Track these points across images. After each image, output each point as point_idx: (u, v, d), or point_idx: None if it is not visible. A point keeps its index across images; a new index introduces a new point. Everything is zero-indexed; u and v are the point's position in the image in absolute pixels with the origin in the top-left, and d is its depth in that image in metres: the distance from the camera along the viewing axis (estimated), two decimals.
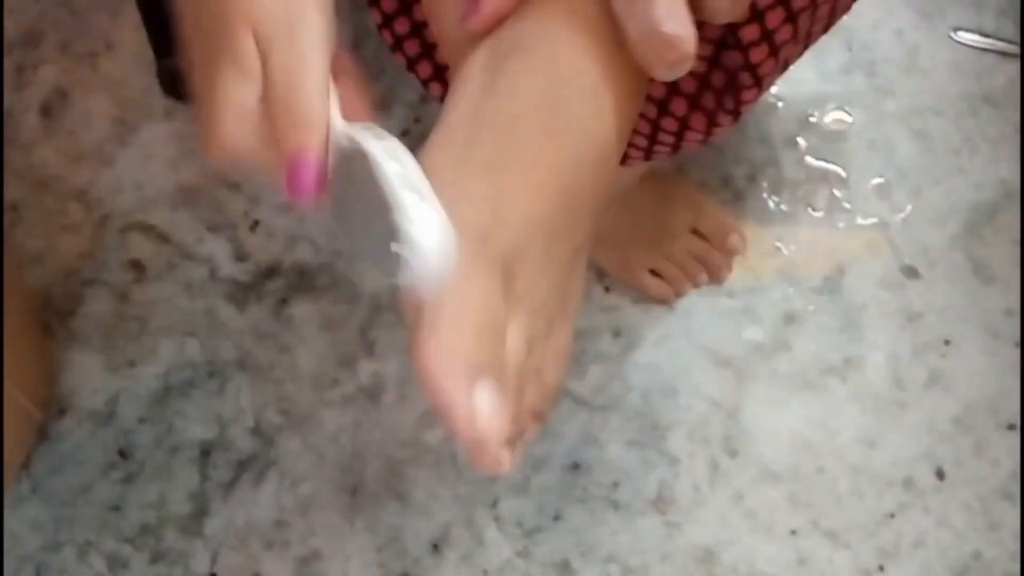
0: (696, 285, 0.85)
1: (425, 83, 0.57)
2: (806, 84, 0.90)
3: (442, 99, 0.55)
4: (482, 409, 0.37)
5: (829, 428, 0.83)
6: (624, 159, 0.59)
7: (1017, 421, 0.83)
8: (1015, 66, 0.92)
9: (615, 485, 0.82)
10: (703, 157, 0.89)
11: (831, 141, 0.90)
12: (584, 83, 0.38)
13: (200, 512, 0.81)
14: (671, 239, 0.84)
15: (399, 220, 0.35)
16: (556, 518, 0.81)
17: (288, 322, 0.85)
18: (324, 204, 0.40)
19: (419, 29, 0.56)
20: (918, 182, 0.89)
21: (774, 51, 0.51)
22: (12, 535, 0.80)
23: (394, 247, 0.36)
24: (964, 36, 0.92)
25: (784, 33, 0.51)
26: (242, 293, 0.86)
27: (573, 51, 0.39)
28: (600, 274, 0.86)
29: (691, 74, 0.53)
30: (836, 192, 0.88)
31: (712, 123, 0.55)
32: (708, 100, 0.54)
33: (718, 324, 0.85)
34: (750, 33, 0.50)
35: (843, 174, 0.89)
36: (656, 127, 0.56)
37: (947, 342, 0.85)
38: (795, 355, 0.84)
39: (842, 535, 0.81)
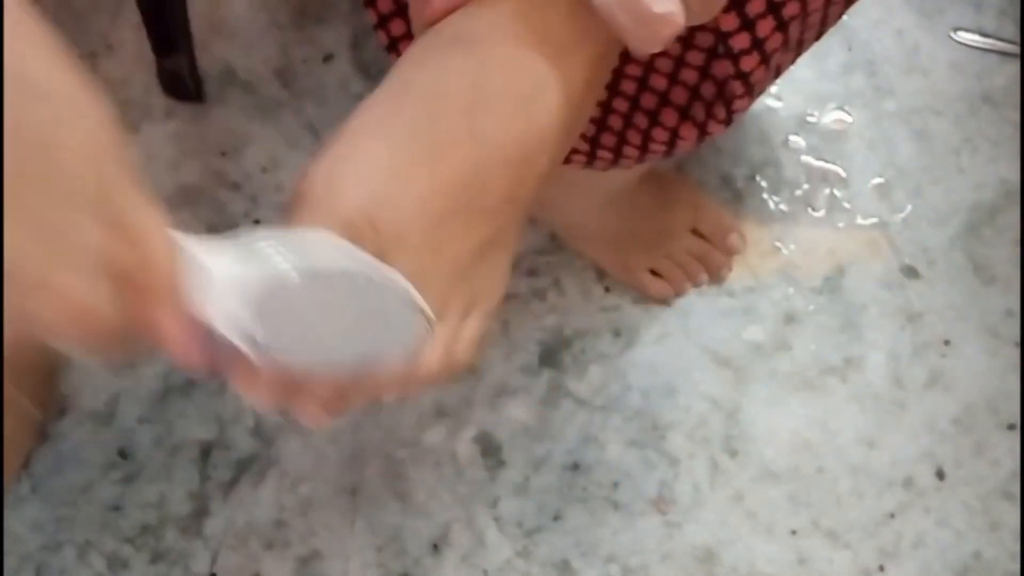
0: (696, 285, 0.85)
1: None
2: (806, 84, 0.90)
3: None
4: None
5: (829, 428, 0.83)
6: (616, 163, 0.59)
7: (1017, 421, 0.83)
8: (1015, 66, 0.92)
9: (615, 485, 0.82)
10: (703, 157, 0.89)
11: (831, 141, 0.90)
12: (517, 84, 0.39)
13: (200, 512, 0.81)
14: (671, 239, 0.84)
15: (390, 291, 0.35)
16: (556, 518, 0.81)
17: None
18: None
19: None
20: (918, 182, 0.89)
21: (765, 59, 0.51)
22: (12, 535, 0.80)
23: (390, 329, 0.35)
24: (964, 36, 0.92)
25: (775, 41, 0.51)
26: None
27: (513, 51, 0.39)
28: (600, 274, 0.86)
29: (681, 84, 0.54)
30: (836, 192, 0.88)
31: (703, 132, 0.55)
32: (698, 111, 0.54)
33: (718, 324, 0.85)
34: (740, 42, 0.50)
35: (843, 174, 0.89)
36: (647, 137, 0.56)
37: (947, 342, 0.85)
38: (795, 355, 0.84)
39: (842, 535, 0.81)
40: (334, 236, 0.36)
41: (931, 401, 0.84)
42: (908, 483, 0.82)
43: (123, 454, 0.82)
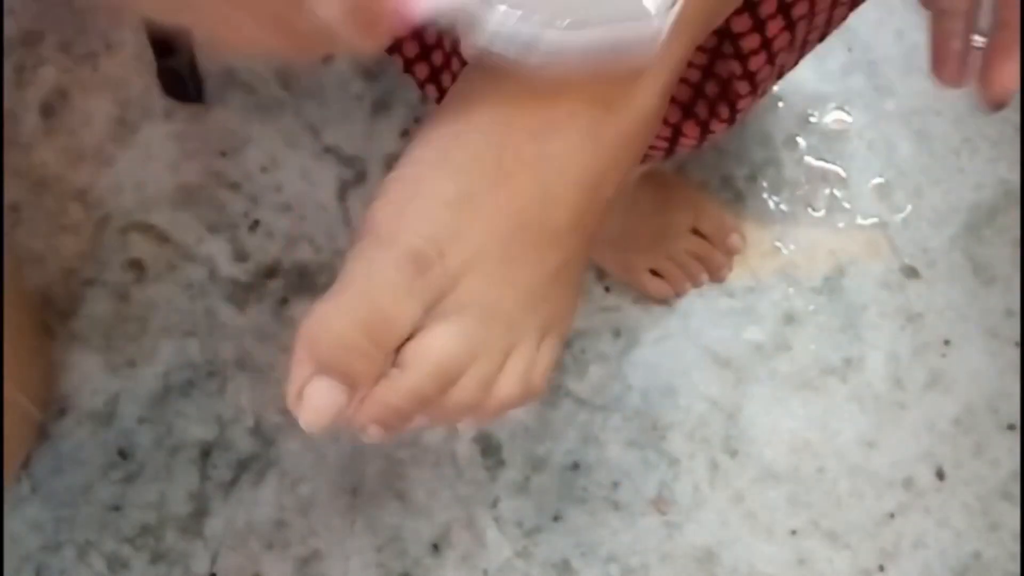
0: (696, 285, 0.85)
1: (422, 85, 0.57)
2: (806, 84, 0.90)
3: (438, 101, 0.55)
4: (313, 397, 0.38)
5: (829, 428, 0.83)
6: None
7: (1017, 421, 0.83)
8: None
9: (615, 485, 0.82)
10: (703, 157, 0.89)
11: (831, 141, 0.90)
12: (585, 108, 0.38)
13: (200, 512, 0.81)
14: (671, 239, 0.84)
15: None
16: (556, 518, 0.81)
17: (288, 322, 0.85)
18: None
19: (418, 31, 0.56)
20: (918, 182, 0.89)
21: (771, 58, 0.51)
22: (12, 535, 0.80)
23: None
24: None
25: (782, 40, 0.51)
26: (242, 293, 0.86)
27: (575, 85, 0.38)
28: (600, 274, 0.86)
29: (685, 82, 0.54)
30: (836, 192, 0.88)
31: (705, 130, 0.55)
32: (701, 109, 0.54)
33: (718, 324, 0.85)
34: (751, 42, 0.50)
35: (843, 174, 0.89)
36: None
37: (947, 342, 0.85)
38: (795, 355, 0.84)
39: (842, 535, 0.81)
40: None
41: (931, 401, 0.84)
42: (908, 483, 0.82)
43: (123, 454, 0.82)
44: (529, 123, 0.38)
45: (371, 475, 0.82)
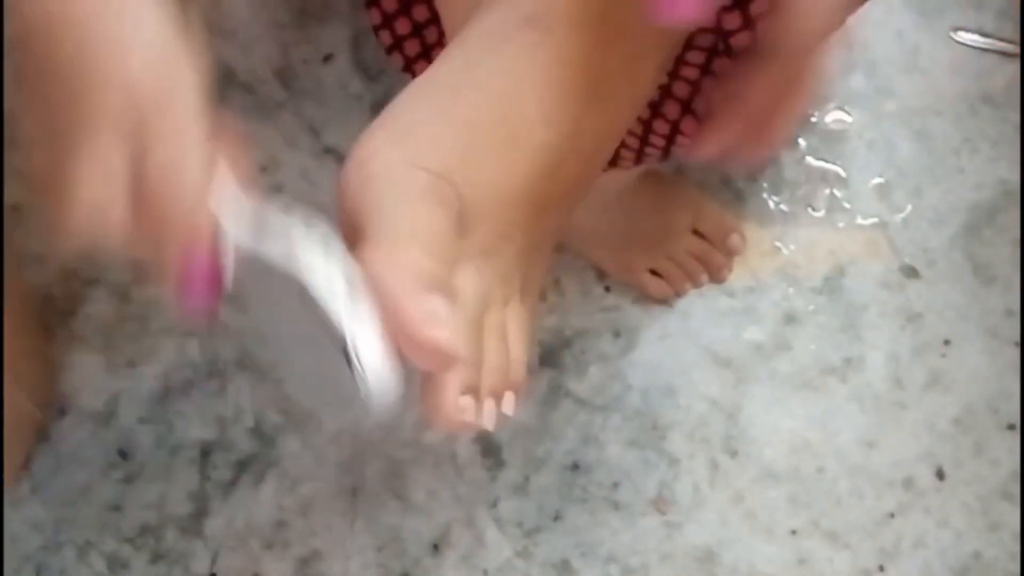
0: (696, 285, 0.85)
1: None
2: None
3: None
4: (437, 315, 0.34)
5: (829, 428, 0.83)
6: (616, 161, 0.59)
7: (1017, 421, 0.83)
8: (1015, 66, 0.92)
9: (615, 485, 0.82)
10: None
11: (831, 141, 0.90)
12: (593, 76, 0.38)
13: (200, 512, 0.81)
14: (671, 239, 0.84)
15: (347, 355, 0.32)
16: (556, 518, 0.81)
17: None
18: (222, 312, 0.37)
19: (419, 30, 0.56)
20: (918, 182, 0.89)
21: None
22: (12, 535, 0.80)
23: (339, 382, 0.33)
24: (964, 36, 0.92)
25: None
26: None
27: (591, 42, 0.37)
28: (600, 274, 0.86)
29: (683, 79, 0.54)
30: (836, 192, 0.88)
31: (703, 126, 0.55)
32: (699, 105, 0.54)
33: (718, 324, 0.85)
34: (742, 40, 0.50)
35: (843, 174, 0.89)
36: (648, 128, 0.56)
37: (947, 342, 0.85)
38: (795, 355, 0.84)
39: (842, 535, 0.81)
40: (320, 239, 0.34)
41: (931, 401, 0.84)
42: (908, 483, 0.82)
43: (123, 454, 0.82)
44: (538, 85, 0.37)
45: (371, 475, 0.82)
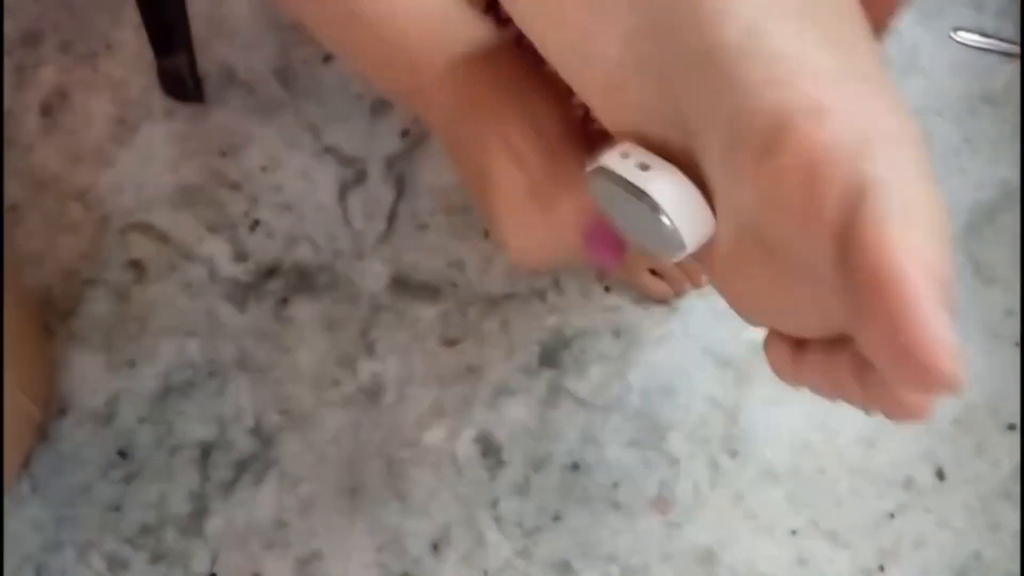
0: (696, 285, 0.85)
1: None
2: None
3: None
4: (951, 341, 0.28)
5: (829, 428, 0.83)
6: None
7: (1017, 421, 0.83)
8: (1015, 66, 0.92)
9: (615, 485, 0.82)
10: None
11: None
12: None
13: (200, 512, 0.81)
14: None
15: (647, 201, 0.34)
16: (556, 518, 0.81)
17: (288, 322, 0.85)
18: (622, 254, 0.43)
19: None
20: None
21: None
22: (12, 535, 0.80)
23: (659, 224, 0.35)
24: (964, 36, 0.92)
25: None
26: (242, 293, 0.86)
27: None
28: (600, 274, 0.86)
29: None
30: None
31: None
32: None
33: (718, 324, 0.85)
34: None
35: None
36: None
37: None
38: None
39: (842, 535, 0.81)
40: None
41: None
42: (908, 483, 0.82)
43: (123, 454, 0.82)
44: None
45: (371, 475, 0.82)
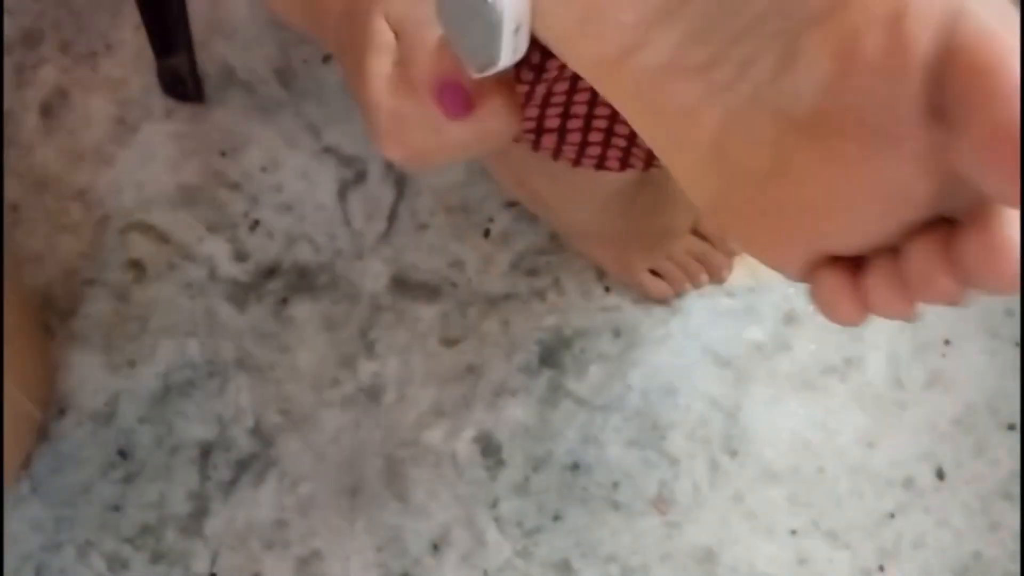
0: (696, 285, 0.85)
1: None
2: None
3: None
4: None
5: (829, 428, 0.83)
6: (602, 163, 0.59)
7: (1017, 421, 0.83)
8: None
9: (615, 485, 0.82)
10: None
11: None
12: None
13: (200, 512, 0.81)
14: (671, 239, 0.84)
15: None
16: (556, 518, 0.81)
17: (288, 322, 0.85)
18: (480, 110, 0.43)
19: None
20: None
21: None
22: (12, 535, 0.81)
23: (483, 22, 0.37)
24: None
25: None
26: (242, 293, 0.86)
27: None
28: (600, 274, 0.86)
29: None
30: None
31: None
32: None
33: (718, 324, 0.85)
34: None
35: None
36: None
37: (947, 342, 0.85)
38: (795, 355, 0.85)
39: (842, 535, 0.81)
40: None
41: (931, 401, 0.84)
42: (908, 483, 0.82)
43: (123, 454, 0.83)
44: None
45: (371, 475, 0.82)
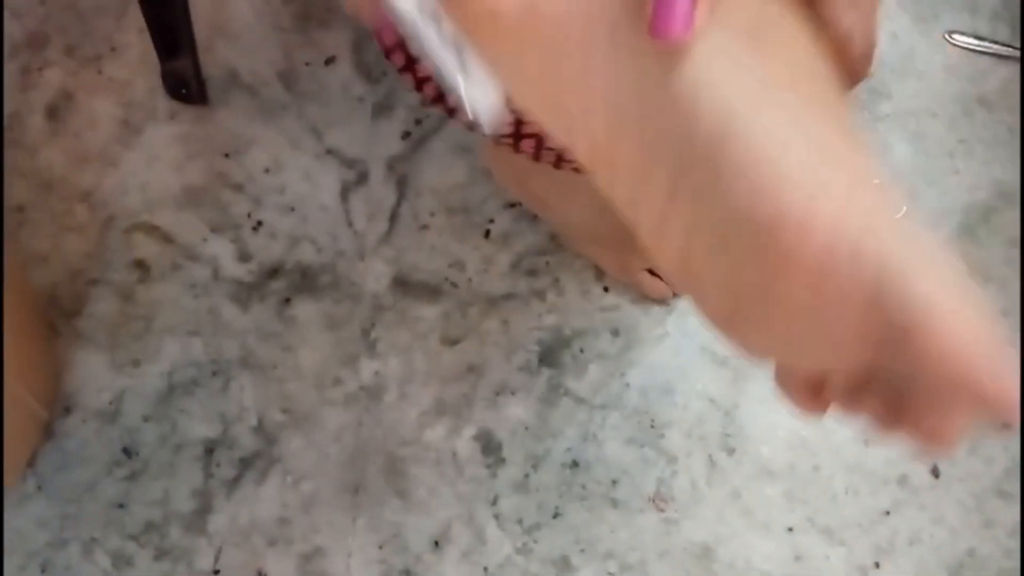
0: None
1: (418, 86, 0.58)
2: None
3: (434, 101, 0.56)
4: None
5: (825, 426, 0.84)
6: (582, 168, 0.60)
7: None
8: (1009, 68, 0.92)
9: (614, 483, 0.83)
10: None
11: None
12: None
13: (204, 509, 0.82)
14: None
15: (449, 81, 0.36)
16: (555, 515, 0.82)
17: (291, 322, 0.86)
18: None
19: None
20: (913, 183, 0.90)
21: None
22: (18, 532, 0.81)
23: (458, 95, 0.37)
24: (959, 39, 0.93)
25: None
26: (245, 293, 0.87)
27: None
28: (600, 274, 0.87)
29: None
30: None
31: None
32: None
33: None
34: None
35: None
36: None
37: None
38: None
39: (838, 532, 0.82)
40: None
41: None
42: (903, 481, 0.83)
43: (128, 452, 0.83)
44: None
45: (373, 473, 0.83)
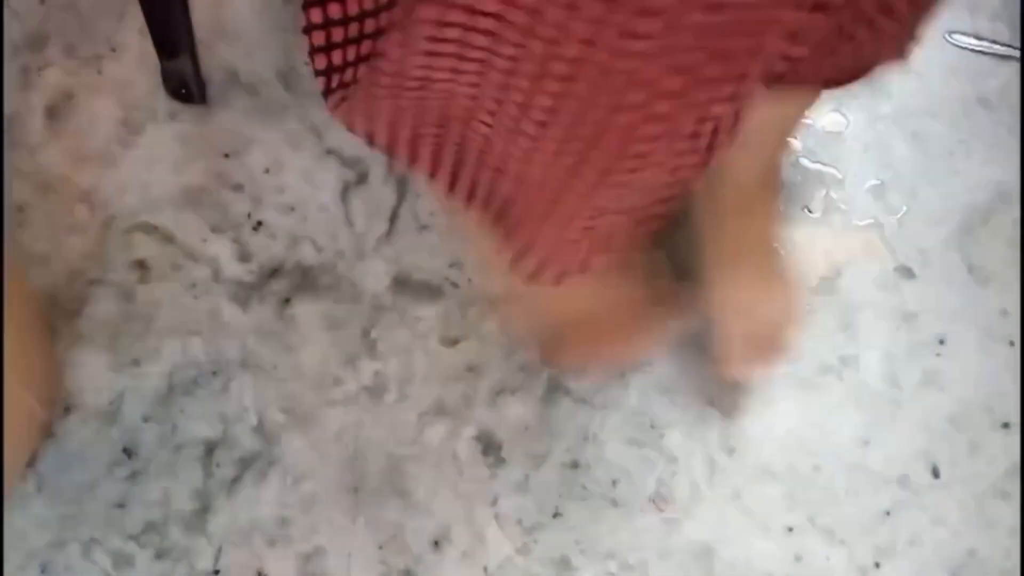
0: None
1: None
2: None
3: (324, 95, 0.55)
4: None
5: (825, 427, 0.84)
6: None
7: (1011, 420, 0.84)
8: (1009, 69, 0.92)
9: (614, 483, 0.83)
10: None
11: (827, 143, 0.91)
12: None
13: (204, 509, 0.82)
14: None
15: None
16: (556, 515, 0.82)
17: (291, 322, 0.86)
18: None
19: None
20: (913, 183, 0.90)
21: None
22: (18, 532, 0.81)
23: None
24: (959, 39, 0.93)
25: None
26: (245, 293, 0.87)
27: None
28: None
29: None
30: (832, 194, 0.89)
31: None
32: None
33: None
34: None
35: (839, 176, 0.90)
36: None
37: (942, 341, 0.86)
38: (792, 354, 0.85)
39: (838, 532, 0.82)
40: None
41: (926, 400, 0.85)
42: (903, 481, 0.83)
43: (128, 452, 0.83)
44: None
45: (373, 473, 0.83)
